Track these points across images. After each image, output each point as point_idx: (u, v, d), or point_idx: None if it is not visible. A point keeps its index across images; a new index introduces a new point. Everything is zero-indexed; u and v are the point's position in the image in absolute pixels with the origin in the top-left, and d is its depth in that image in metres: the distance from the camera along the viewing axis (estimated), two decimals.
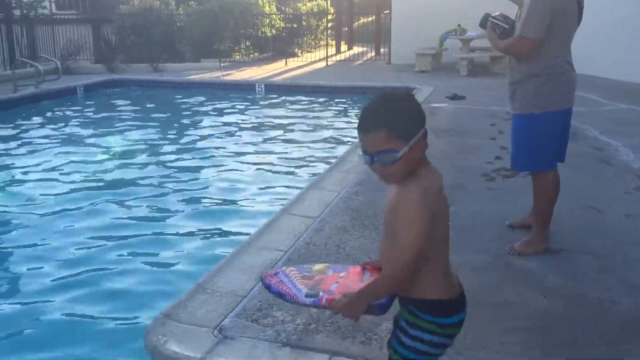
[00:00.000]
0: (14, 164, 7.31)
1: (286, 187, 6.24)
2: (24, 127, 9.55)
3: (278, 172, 6.85)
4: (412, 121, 1.70)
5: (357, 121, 1.74)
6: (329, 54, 18.58)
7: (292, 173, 6.85)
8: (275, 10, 19.80)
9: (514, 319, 2.86)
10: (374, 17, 23.63)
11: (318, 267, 2.06)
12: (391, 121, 1.67)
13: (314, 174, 6.20)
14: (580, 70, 3.74)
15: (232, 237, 4.74)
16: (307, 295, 1.83)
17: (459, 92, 10.41)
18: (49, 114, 10.68)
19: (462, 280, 3.22)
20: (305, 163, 7.30)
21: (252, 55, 18.63)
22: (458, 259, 3.53)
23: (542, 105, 3.52)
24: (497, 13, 3.82)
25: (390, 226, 1.72)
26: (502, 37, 3.70)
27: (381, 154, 1.67)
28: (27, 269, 4.31)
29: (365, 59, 19.50)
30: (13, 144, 8.35)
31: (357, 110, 11.06)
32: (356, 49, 21.69)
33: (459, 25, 13.92)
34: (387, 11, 18.83)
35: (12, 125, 9.73)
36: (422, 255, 1.66)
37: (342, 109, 11.25)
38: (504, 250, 3.66)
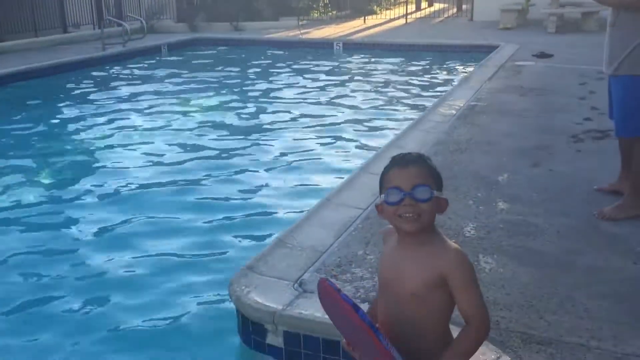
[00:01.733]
0: (103, 119, 7.65)
1: (365, 145, 6.22)
2: (112, 84, 9.96)
3: (357, 130, 6.82)
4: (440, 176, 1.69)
5: (396, 158, 1.68)
6: (409, 11, 18.12)
7: (371, 131, 6.81)
8: None
9: (601, 284, 2.76)
10: None
11: None
12: (432, 164, 1.68)
13: (394, 133, 6.14)
14: None
15: (311, 193, 4.79)
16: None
17: (546, 50, 9.93)
18: (135, 71, 11.06)
19: (548, 244, 3.16)
20: (385, 122, 7.23)
21: (330, 14, 18.45)
22: (543, 222, 3.45)
23: None
24: None
25: (434, 288, 1.62)
26: None
27: (419, 187, 1.61)
28: (112, 235, 4.40)
29: (446, 16, 18.90)
30: (102, 101, 8.72)
31: (439, 69, 10.80)
32: (437, 6, 21.02)
33: None
34: None
35: (101, 81, 10.16)
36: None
37: (423, 67, 11.00)
38: (591, 214, 3.51)
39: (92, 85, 9.93)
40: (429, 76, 10.18)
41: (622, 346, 2.30)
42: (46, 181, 5.52)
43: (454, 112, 6.19)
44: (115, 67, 11.30)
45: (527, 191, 3.94)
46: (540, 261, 2.99)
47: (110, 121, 7.54)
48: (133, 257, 3.93)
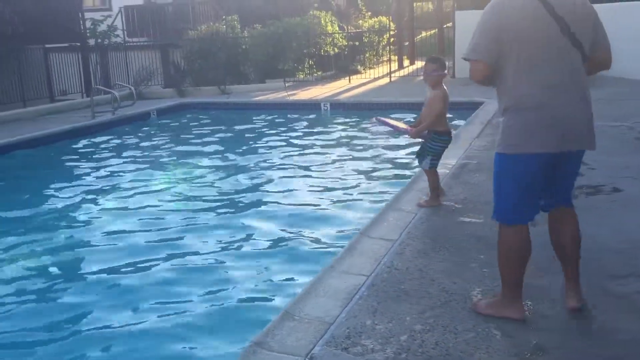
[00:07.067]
0: (95, 187, 7.63)
1: (362, 208, 6.21)
2: (103, 153, 9.96)
3: (352, 193, 6.83)
4: None
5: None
6: (392, 69, 18.54)
7: (367, 193, 6.81)
8: (337, 29, 19.94)
9: None
10: (436, 31, 23.45)
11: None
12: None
13: (390, 194, 6.15)
14: None
15: (311, 262, 4.75)
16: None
17: None
18: (126, 139, 11.10)
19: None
20: (379, 182, 7.26)
21: (315, 74, 18.81)
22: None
23: (508, 144, 2.91)
24: None
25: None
26: None
27: None
28: (110, 301, 4.41)
29: None
30: (94, 169, 8.70)
31: None
32: (419, 64, 21.51)
33: None
34: (449, 24, 18.66)
35: (92, 150, 10.17)
36: None
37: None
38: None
39: (82, 153, 9.93)
40: None
41: None
42: (40, 251, 5.44)
43: (447, 171, 6.25)
44: (106, 135, 11.33)
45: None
46: None
47: (103, 187, 7.52)
48: (136, 323, 3.86)
